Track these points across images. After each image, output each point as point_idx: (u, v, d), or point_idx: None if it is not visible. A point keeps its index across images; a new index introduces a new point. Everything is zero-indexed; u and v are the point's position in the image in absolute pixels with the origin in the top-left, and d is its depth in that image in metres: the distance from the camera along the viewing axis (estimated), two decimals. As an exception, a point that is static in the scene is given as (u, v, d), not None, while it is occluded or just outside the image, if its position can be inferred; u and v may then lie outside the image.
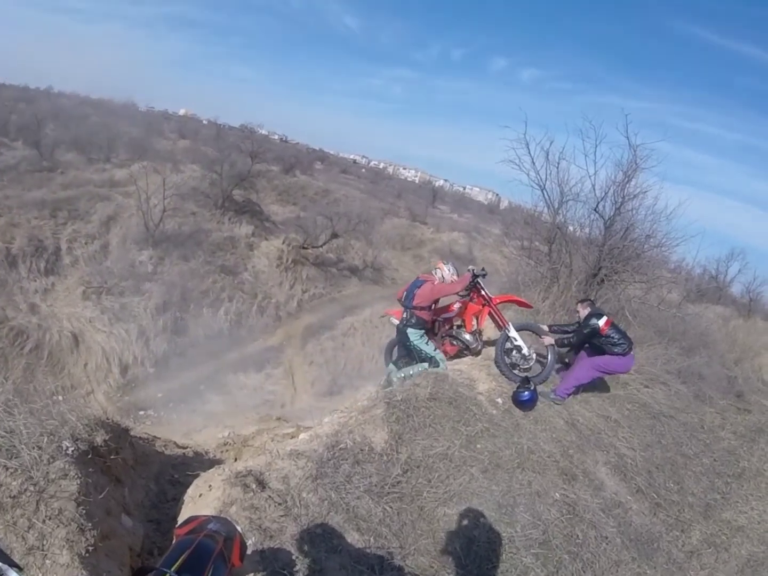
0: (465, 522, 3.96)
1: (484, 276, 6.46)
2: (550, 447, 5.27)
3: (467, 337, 6.48)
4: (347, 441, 4.27)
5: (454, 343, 6.56)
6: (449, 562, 3.60)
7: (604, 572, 4.07)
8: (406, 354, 6.39)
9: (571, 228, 9.38)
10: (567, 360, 7.11)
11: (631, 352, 6.25)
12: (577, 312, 6.62)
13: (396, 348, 6.75)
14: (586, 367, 6.30)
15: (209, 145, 35.36)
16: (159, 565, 1.54)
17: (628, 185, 8.51)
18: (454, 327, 6.66)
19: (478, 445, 4.88)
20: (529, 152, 8.85)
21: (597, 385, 7.00)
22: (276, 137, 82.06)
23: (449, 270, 6.38)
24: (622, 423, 6.43)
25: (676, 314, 9.54)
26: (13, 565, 1.31)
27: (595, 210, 8.76)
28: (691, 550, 4.89)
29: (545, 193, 9.13)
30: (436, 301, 6.26)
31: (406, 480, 4.14)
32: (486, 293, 6.34)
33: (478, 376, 6.11)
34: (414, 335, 6.06)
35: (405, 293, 6.28)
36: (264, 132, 60.24)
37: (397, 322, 6.41)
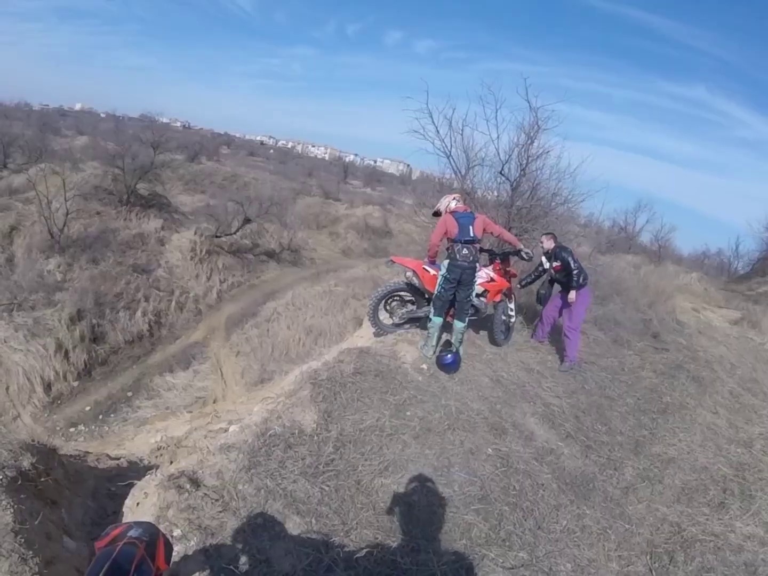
0: (403, 489, 4.03)
1: (523, 257, 6.68)
2: (478, 405, 5.43)
3: (484, 305, 6.60)
4: (276, 427, 4.25)
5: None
6: (393, 530, 3.65)
7: (545, 518, 4.20)
8: (450, 299, 6.06)
9: (479, 192, 9.59)
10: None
11: None
12: (541, 245, 7.27)
13: (384, 302, 6.64)
14: (576, 312, 7.00)
15: (109, 139, 33.62)
16: None
17: (531, 147, 8.77)
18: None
19: (408, 413, 4.96)
20: (433, 121, 8.97)
21: (516, 340, 7.26)
22: (178, 124, 79.73)
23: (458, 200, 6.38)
24: (545, 374, 6.70)
25: (588, 266, 9.96)
26: None
27: (500, 173, 9.02)
28: (626, 486, 5.08)
29: (452, 161, 9.33)
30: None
31: (340, 456, 4.16)
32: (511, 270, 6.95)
33: (401, 347, 6.20)
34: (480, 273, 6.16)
35: (458, 230, 5.89)
36: (165, 120, 58.28)
37: (411, 272, 6.32)
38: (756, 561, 4.46)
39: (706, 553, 4.40)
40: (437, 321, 6.10)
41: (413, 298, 6.59)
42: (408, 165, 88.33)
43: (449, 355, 5.86)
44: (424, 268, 6.27)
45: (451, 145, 9.19)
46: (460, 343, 6.21)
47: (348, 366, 5.33)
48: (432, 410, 5.10)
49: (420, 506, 3.90)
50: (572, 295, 6.87)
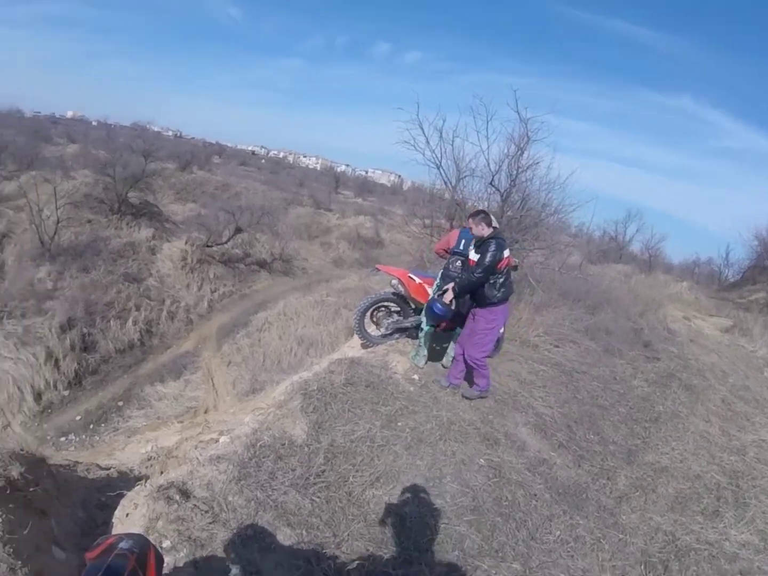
0: (395, 500, 4.00)
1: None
2: (469, 415, 5.40)
3: None
4: (266, 438, 4.22)
5: None
6: (385, 542, 3.62)
7: (538, 528, 4.18)
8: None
9: (470, 203, 9.58)
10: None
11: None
12: (468, 227, 5.49)
13: (370, 313, 6.52)
14: (481, 336, 5.48)
15: (100, 147, 33.59)
16: None
17: (521, 157, 8.86)
18: None
19: (399, 423, 4.94)
20: (423, 132, 9.03)
21: (507, 350, 7.25)
22: (170, 133, 79.77)
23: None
24: (537, 383, 6.69)
25: (578, 276, 10.04)
26: None
27: (491, 184, 9.07)
28: (619, 496, 5.08)
29: (442, 171, 9.39)
30: None
31: (331, 468, 4.13)
32: None
33: (393, 358, 6.18)
34: None
35: (461, 241, 5.80)
36: (156, 129, 58.33)
37: (396, 281, 6.14)
38: (752, 569, 4.46)
39: (701, 562, 4.39)
40: (429, 330, 6.08)
41: (399, 308, 6.52)
42: (399, 176, 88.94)
43: (440, 305, 5.43)
44: (409, 277, 6.18)
45: (442, 156, 9.26)
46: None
47: (339, 376, 5.31)
48: (424, 421, 5.08)
49: (412, 517, 3.87)
50: (449, 293, 5.37)
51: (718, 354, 10.30)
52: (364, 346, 6.60)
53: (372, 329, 6.65)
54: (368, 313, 6.50)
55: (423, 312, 6.05)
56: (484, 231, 5.28)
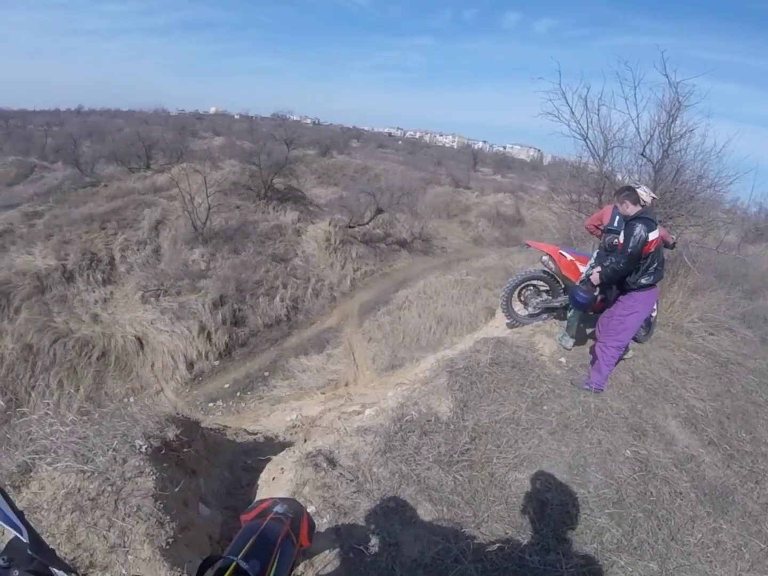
0: (537, 486, 3.94)
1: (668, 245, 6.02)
2: (617, 404, 5.17)
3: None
4: (413, 413, 4.31)
5: None
6: (523, 527, 3.58)
7: (679, 529, 3.95)
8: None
9: (619, 176, 9.05)
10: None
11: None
12: (618, 206, 5.07)
13: (518, 292, 6.35)
14: (618, 322, 5.10)
15: (244, 139, 35.63)
16: (226, 553, 1.56)
17: (673, 125, 8.12)
18: None
19: (545, 407, 4.85)
20: (567, 102, 8.56)
21: (659, 336, 6.81)
22: (308, 121, 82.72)
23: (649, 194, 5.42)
24: (690, 373, 6.24)
25: (736, 256, 9.18)
26: (69, 570, 1.33)
27: (642, 154, 8.43)
28: (766, 502, 4.67)
29: (588, 143, 8.88)
30: None
31: (475, 447, 4.15)
32: None
33: (539, 339, 6.05)
34: None
35: (615, 218, 5.54)
36: (296, 118, 60.66)
37: (547, 257, 5.97)
38: None
39: None
40: (578, 311, 5.82)
41: (548, 287, 6.28)
42: (539, 150, 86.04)
43: (585, 294, 5.19)
44: (560, 253, 5.91)
45: (588, 126, 8.74)
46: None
47: (485, 356, 5.28)
48: (570, 406, 4.95)
49: (552, 505, 3.80)
50: (595, 276, 5.08)
51: None
52: (510, 325, 6.50)
53: (519, 308, 6.51)
54: (516, 292, 6.36)
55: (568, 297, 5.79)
56: (629, 209, 4.88)
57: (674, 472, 4.54)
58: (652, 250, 4.78)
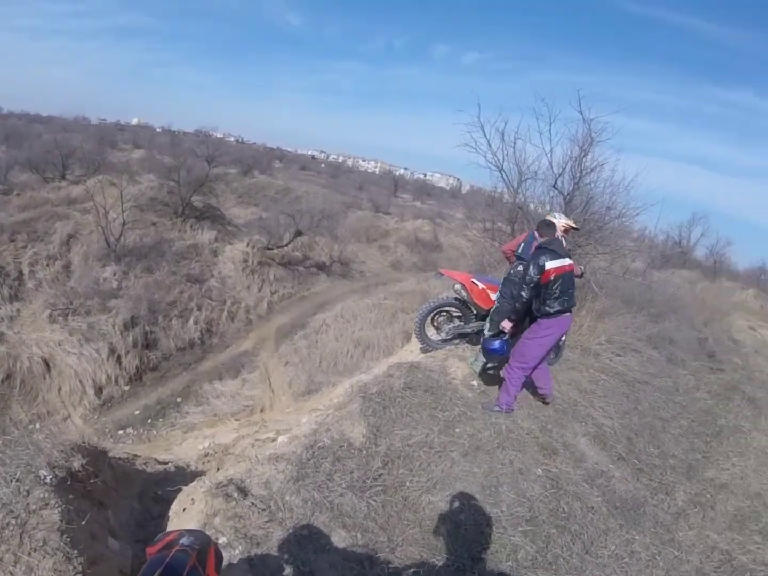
0: (450, 507, 3.96)
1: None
2: (528, 424, 5.30)
3: None
4: (325, 439, 4.25)
5: None
6: (438, 548, 3.59)
7: (593, 542, 4.09)
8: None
9: (531, 206, 9.48)
10: None
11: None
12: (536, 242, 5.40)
13: (431, 317, 6.53)
14: (523, 346, 5.21)
15: (165, 153, 34.91)
16: None
17: (584, 159, 8.66)
18: None
19: (457, 430, 4.89)
20: (485, 134, 8.92)
21: (568, 358, 7.08)
22: (232, 139, 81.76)
23: (560, 222, 5.72)
24: (598, 393, 6.54)
25: (642, 282, 9.71)
26: None
27: (554, 186, 8.92)
28: (677, 512, 4.95)
29: (504, 174, 9.26)
30: None
31: (388, 471, 4.13)
32: None
33: (452, 363, 6.12)
34: None
35: (522, 245, 5.86)
36: (219, 135, 59.95)
37: (459, 286, 6.13)
38: (810, 593, 4.27)
39: (756, 583, 4.23)
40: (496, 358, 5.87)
41: (461, 313, 6.48)
42: (458, 179, 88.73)
43: (497, 342, 5.28)
44: (473, 282, 6.10)
45: (504, 159, 9.14)
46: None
47: (398, 380, 5.30)
48: (482, 428, 5.01)
49: (467, 525, 3.83)
50: (506, 323, 5.22)
51: (784, 366, 9.84)
52: (423, 350, 6.61)
53: (432, 333, 6.65)
54: (429, 318, 6.50)
55: (489, 318, 5.95)
56: (539, 240, 5.24)
57: (585, 487, 4.69)
58: (552, 278, 4.93)
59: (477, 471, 4.44)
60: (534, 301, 5.03)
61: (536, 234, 5.35)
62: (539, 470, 4.69)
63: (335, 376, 12.73)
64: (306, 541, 3.32)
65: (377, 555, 3.38)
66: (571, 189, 8.81)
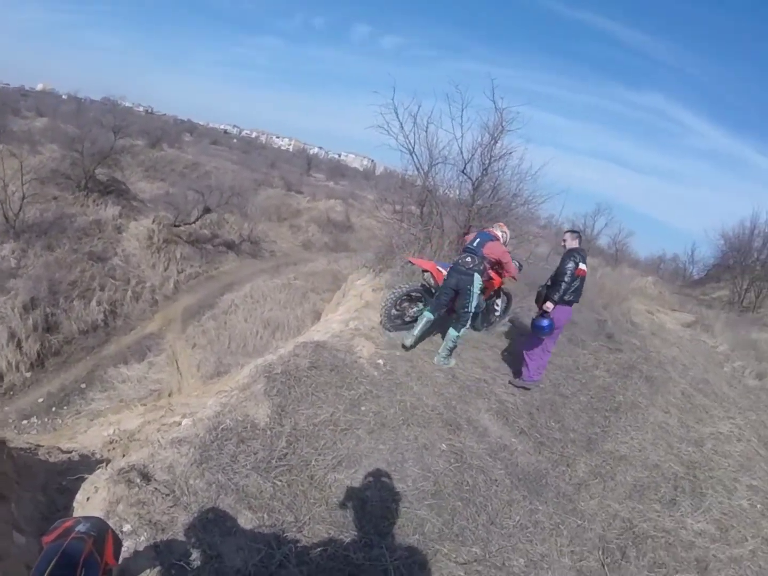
0: (356, 484, 4.04)
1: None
2: (433, 401, 5.47)
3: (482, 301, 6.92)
4: (228, 421, 4.21)
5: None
6: (346, 525, 3.66)
7: (498, 513, 4.26)
8: (446, 302, 6.36)
9: (441, 190, 9.66)
10: None
11: None
12: (563, 243, 6.37)
13: (397, 303, 6.76)
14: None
15: (69, 122, 32.68)
16: None
17: (494, 147, 8.90)
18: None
19: (363, 408, 4.98)
20: (398, 117, 8.96)
21: (472, 337, 7.33)
22: (141, 109, 77.86)
23: (509, 235, 6.99)
24: (501, 371, 6.80)
25: (545, 266, 10.13)
26: None
27: (463, 171, 9.13)
28: (578, 483, 5.18)
29: (414, 157, 9.33)
30: (493, 263, 6.50)
31: (293, 451, 4.15)
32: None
33: (358, 342, 6.20)
34: (479, 282, 6.17)
35: (475, 240, 6.43)
36: (128, 104, 57.05)
37: (428, 274, 6.59)
38: (707, 557, 4.60)
39: (657, 549, 4.52)
40: (428, 316, 6.32)
41: (423, 299, 6.85)
42: (372, 160, 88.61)
43: (545, 320, 6.07)
44: (437, 269, 6.55)
45: (415, 142, 9.19)
46: (449, 351, 6.34)
47: (303, 360, 5.31)
48: (387, 405, 5.12)
49: (373, 501, 3.91)
50: (549, 305, 6.06)
51: (679, 348, 10.48)
52: (389, 331, 6.75)
53: (395, 316, 6.86)
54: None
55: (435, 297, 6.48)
56: (575, 244, 6.27)
57: (488, 461, 4.89)
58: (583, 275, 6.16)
59: (383, 448, 4.54)
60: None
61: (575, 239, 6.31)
62: (444, 445, 4.85)
63: (244, 358, 12.52)
64: (212, 525, 3.30)
65: (284, 535, 3.41)
66: (479, 174, 9.03)
